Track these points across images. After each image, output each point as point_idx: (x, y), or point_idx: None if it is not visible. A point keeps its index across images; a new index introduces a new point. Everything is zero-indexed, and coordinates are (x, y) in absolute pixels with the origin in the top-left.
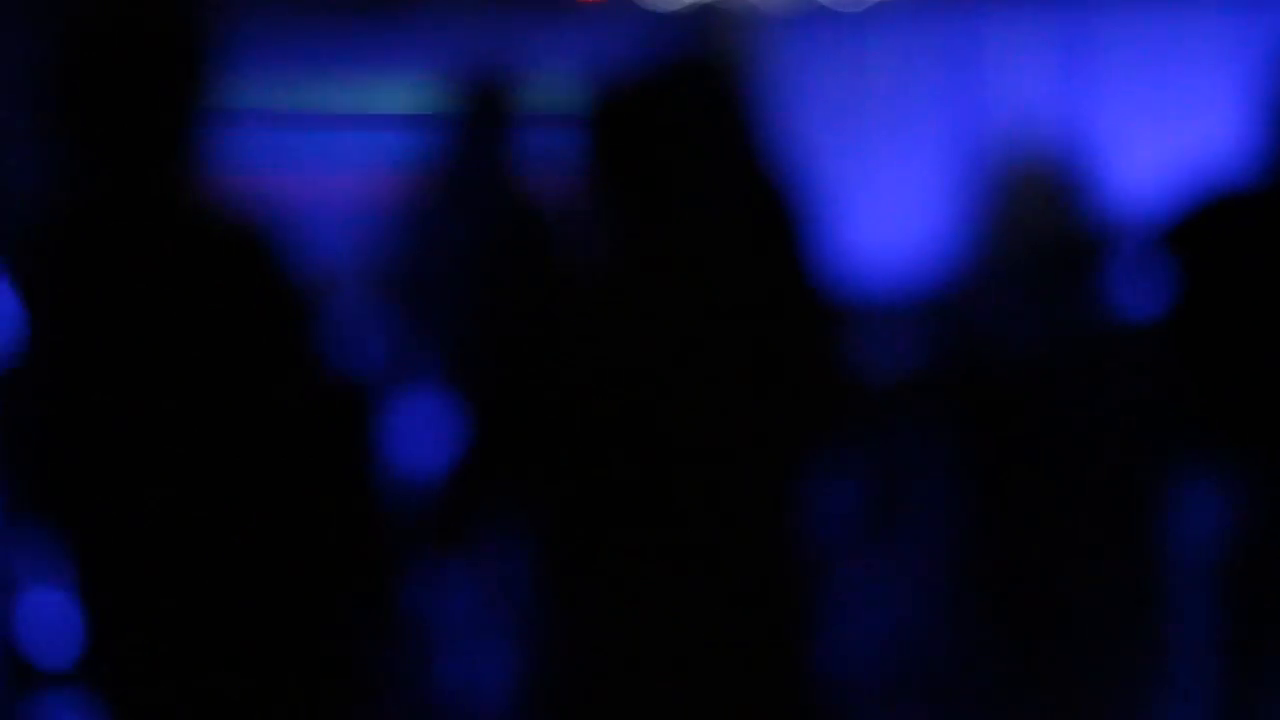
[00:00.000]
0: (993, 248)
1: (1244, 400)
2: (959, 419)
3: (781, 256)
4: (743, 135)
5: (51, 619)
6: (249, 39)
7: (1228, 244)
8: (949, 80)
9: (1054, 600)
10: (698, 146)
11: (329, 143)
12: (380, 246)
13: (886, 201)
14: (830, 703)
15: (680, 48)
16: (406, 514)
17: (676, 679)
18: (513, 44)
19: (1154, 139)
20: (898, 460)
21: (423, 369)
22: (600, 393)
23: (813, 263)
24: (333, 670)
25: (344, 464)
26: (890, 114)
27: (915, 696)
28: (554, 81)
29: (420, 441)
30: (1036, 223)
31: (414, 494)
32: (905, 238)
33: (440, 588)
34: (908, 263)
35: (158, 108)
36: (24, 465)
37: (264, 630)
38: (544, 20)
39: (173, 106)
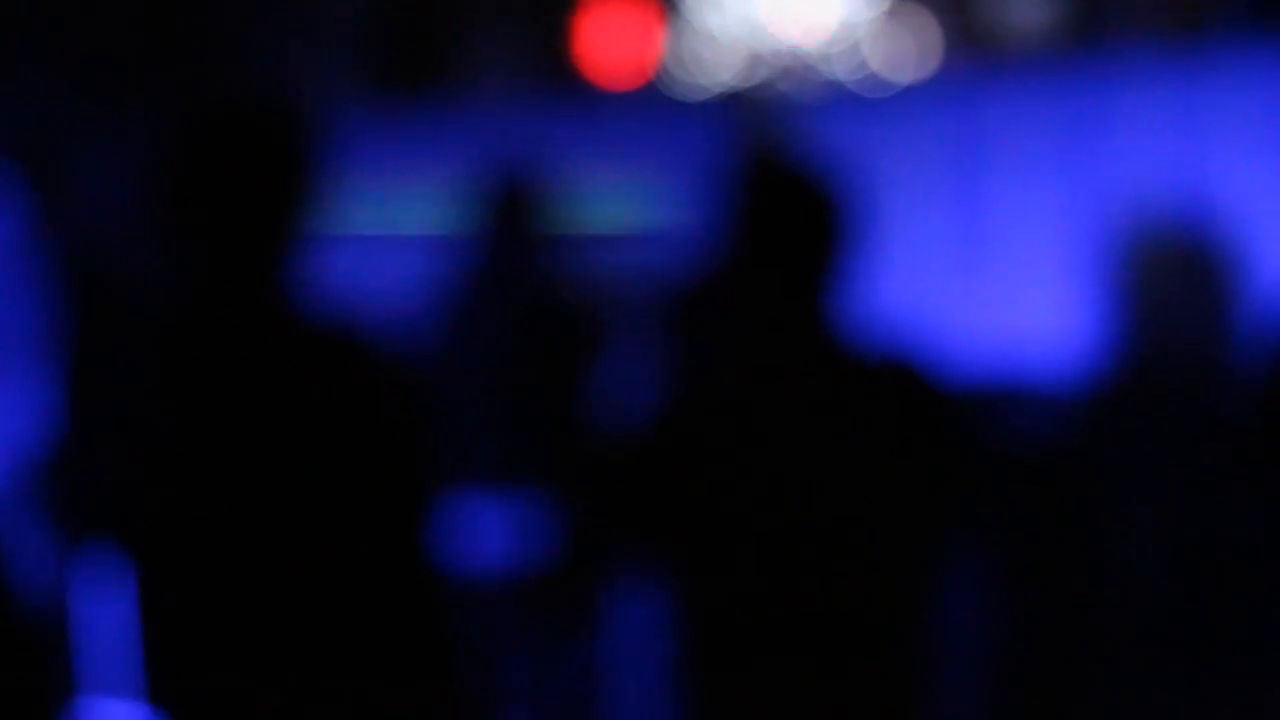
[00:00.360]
0: (1127, 334)
1: None
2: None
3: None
4: (835, 224)
5: None
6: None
7: None
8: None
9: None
10: (820, 241)
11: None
12: (450, 353)
13: (1006, 283)
14: None
15: (726, 136)
16: (494, 609)
17: None
18: (547, 141)
19: None
20: (1022, 543)
21: (510, 469)
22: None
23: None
24: None
25: (428, 562)
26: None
27: None
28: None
29: (504, 538)
30: (1179, 307)
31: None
32: (1030, 322)
33: (550, 673)
34: (1035, 346)
35: (262, 218)
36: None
37: None
38: (576, 108)
39: (275, 217)
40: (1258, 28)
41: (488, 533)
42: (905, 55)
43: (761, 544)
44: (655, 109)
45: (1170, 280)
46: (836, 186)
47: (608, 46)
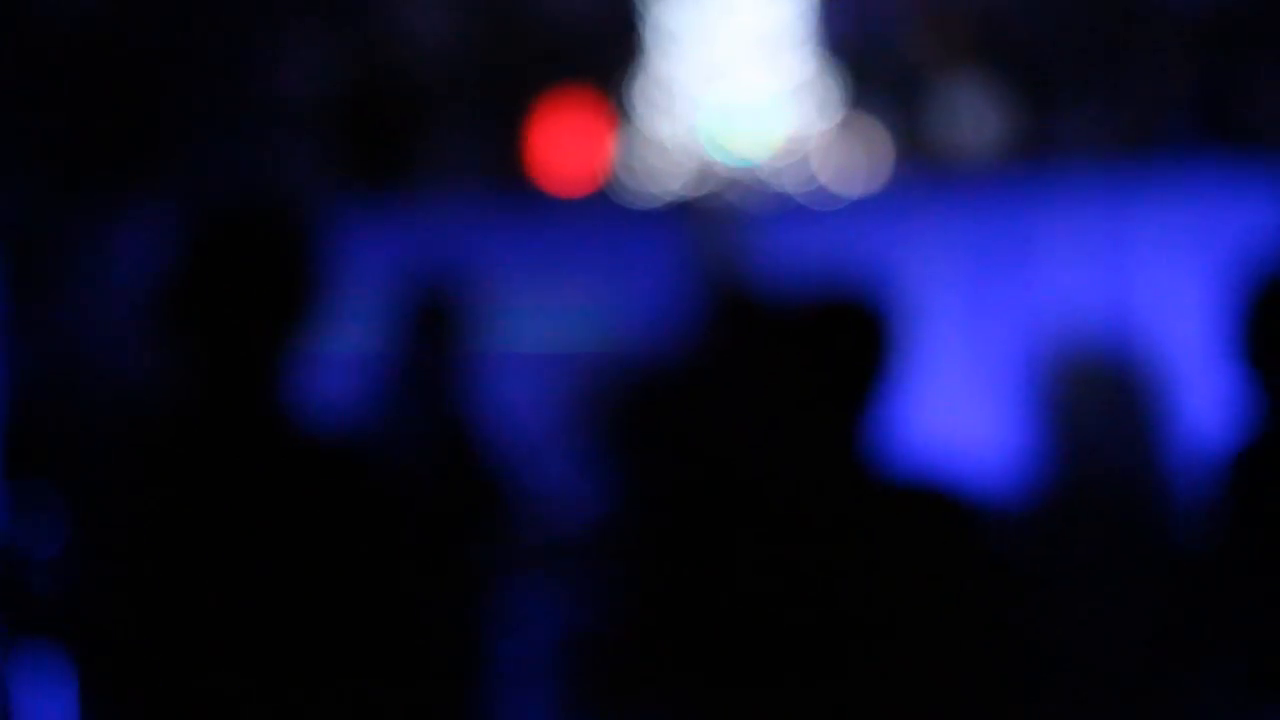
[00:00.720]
0: (1054, 450)
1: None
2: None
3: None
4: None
5: None
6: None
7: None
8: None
9: None
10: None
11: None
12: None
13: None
14: None
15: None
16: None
17: None
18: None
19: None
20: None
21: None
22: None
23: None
24: None
25: (415, 671)
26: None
27: None
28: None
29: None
30: (1098, 430)
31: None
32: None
33: None
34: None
35: (265, 328)
36: (109, 666)
37: None
38: (519, 217)
39: (278, 329)
40: (1203, 149)
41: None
42: (854, 169)
43: (790, 661)
44: (605, 216)
45: (1091, 400)
46: (882, 312)
47: (558, 153)
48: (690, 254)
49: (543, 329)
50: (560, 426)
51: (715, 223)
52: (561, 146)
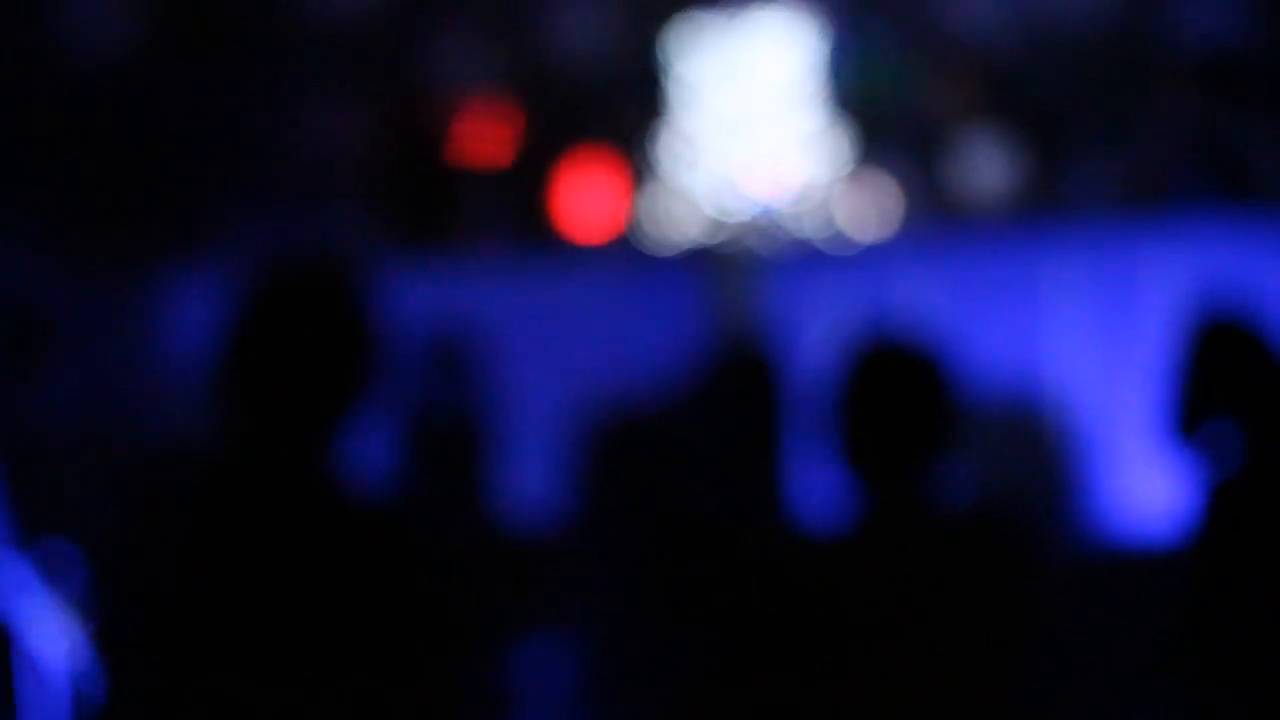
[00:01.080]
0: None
1: None
2: None
3: None
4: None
5: None
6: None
7: None
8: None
9: None
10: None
11: None
12: None
13: None
14: None
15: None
16: None
17: None
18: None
19: None
20: None
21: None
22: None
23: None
24: None
25: None
26: None
27: None
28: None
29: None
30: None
31: None
32: None
33: None
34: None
35: (317, 389)
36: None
37: None
38: (545, 262)
39: (331, 389)
40: (1209, 201)
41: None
42: (871, 214)
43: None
44: (626, 263)
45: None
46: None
47: (580, 201)
48: (708, 299)
49: (560, 377)
50: (575, 471)
51: (733, 268)
52: (584, 197)
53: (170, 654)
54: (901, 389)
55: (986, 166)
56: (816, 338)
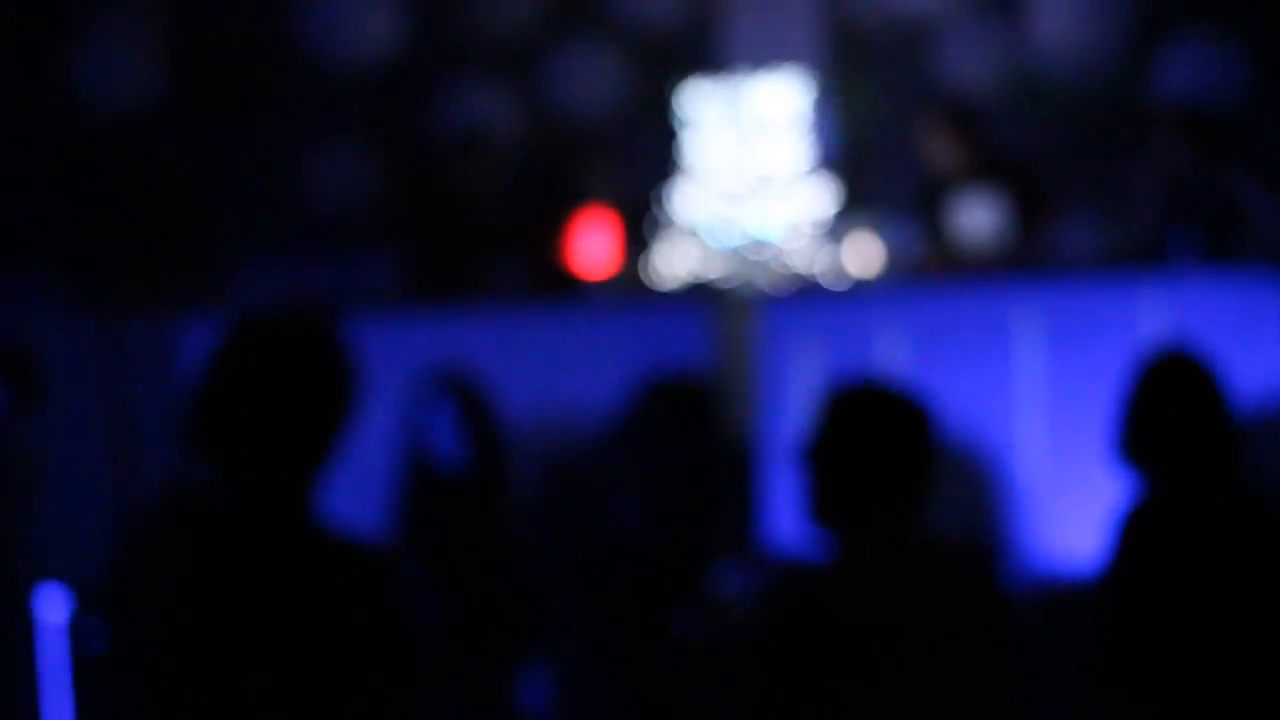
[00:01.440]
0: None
1: None
2: None
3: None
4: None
5: None
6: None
7: None
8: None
9: None
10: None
11: None
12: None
13: None
14: None
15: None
16: None
17: None
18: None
19: None
20: None
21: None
22: None
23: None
24: None
25: None
26: None
27: None
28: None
29: None
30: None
31: None
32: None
33: None
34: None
35: (304, 436)
36: None
37: None
38: (552, 298)
39: (316, 436)
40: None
41: None
42: (858, 259)
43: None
44: (630, 299)
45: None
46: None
47: (586, 240)
48: (709, 335)
49: (560, 413)
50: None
51: (734, 303)
52: (588, 234)
53: (156, 694)
54: (878, 432)
55: (973, 216)
56: (806, 373)
